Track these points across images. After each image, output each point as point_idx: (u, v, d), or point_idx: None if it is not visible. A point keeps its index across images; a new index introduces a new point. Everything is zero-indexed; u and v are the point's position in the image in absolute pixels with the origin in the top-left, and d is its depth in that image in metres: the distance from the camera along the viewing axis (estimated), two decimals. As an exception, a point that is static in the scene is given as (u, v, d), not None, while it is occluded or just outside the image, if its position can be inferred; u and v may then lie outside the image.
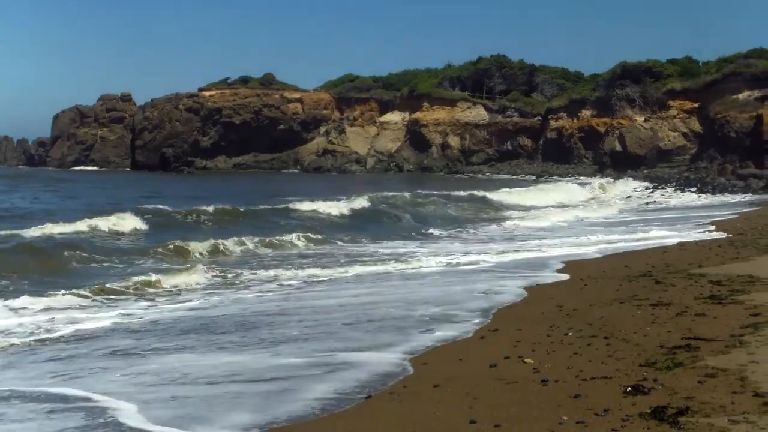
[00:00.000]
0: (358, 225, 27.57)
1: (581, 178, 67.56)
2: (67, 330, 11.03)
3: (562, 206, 38.68)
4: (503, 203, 38.94)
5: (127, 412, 7.24)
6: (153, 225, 24.36)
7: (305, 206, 30.48)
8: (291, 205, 31.01)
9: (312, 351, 9.48)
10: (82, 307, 12.74)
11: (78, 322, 11.49)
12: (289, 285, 15.06)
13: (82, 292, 13.64)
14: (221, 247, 19.82)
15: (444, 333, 10.21)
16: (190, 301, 13.41)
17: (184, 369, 8.76)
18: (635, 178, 62.26)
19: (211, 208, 27.84)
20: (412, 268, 16.88)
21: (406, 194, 38.54)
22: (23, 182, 55.63)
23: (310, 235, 22.81)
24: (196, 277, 15.35)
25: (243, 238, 20.87)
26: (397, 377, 8.12)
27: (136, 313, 12.33)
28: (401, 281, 15.23)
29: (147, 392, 7.87)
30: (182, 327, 11.18)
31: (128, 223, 23.81)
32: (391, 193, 38.51)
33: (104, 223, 23.08)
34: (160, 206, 28.87)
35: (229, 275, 16.05)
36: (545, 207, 38.30)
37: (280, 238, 21.92)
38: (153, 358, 9.41)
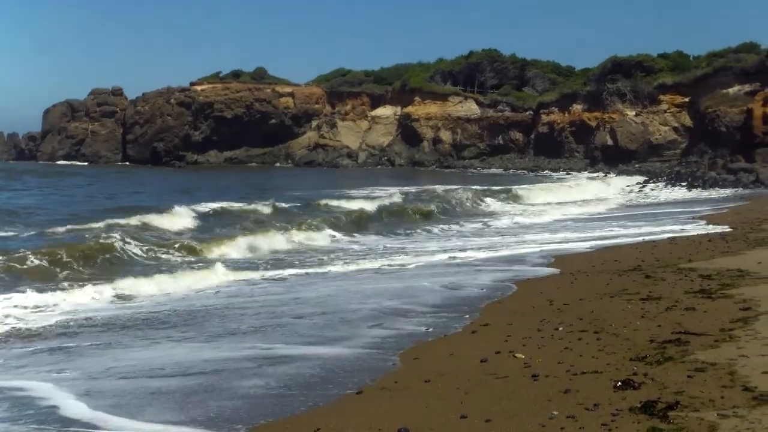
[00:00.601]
0: (387, 223, 27.14)
1: (573, 172, 67.74)
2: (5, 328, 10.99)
3: (587, 202, 38.40)
4: (526, 201, 38.36)
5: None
6: (200, 222, 23.98)
7: (334, 203, 30.67)
8: (320, 202, 31.12)
9: (252, 344, 9.53)
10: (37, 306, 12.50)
11: (22, 320, 11.39)
12: (265, 281, 15.13)
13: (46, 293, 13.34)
14: (227, 245, 19.46)
15: (390, 329, 10.23)
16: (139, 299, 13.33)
17: (108, 364, 8.77)
18: (627, 173, 62.41)
19: (248, 206, 27.94)
20: (398, 265, 16.81)
21: (438, 188, 38.46)
22: (27, 177, 53.95)
23: (326, 232, 22.77)
24: (215, 278, 15.06)
25: (260, 238, 20.55)
26: (384, 372, 8.13)
27: (91, 310, 12.20)
28: (371, 276, 15.30)
29: (60, 387, 7.88)
30: (123, 323, 11.16)
31: (173, 221, 23.33)
32: (418, 188, 39.04)
33: (148, 220, 22.73)
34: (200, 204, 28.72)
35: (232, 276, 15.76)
36: (564, 203, 37.70)
37: (303, 236, 21.85)
38: (82, 354, 9.39)
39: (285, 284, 14.63)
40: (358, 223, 25.91)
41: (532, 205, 36.83)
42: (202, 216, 25.08)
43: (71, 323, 11.23)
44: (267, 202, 29.28)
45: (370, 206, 29.44)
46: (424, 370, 7.99)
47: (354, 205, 29.96)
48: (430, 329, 10.17)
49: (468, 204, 34.26)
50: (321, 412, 6.93)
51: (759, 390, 6.39)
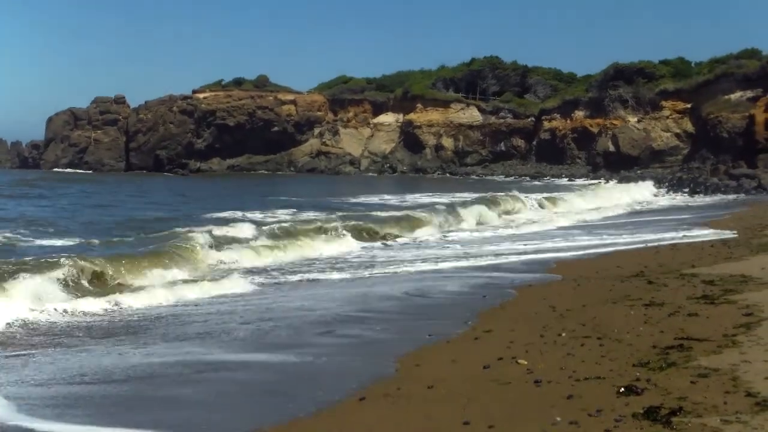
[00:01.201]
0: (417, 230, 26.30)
1: (576, 179, 67.77)
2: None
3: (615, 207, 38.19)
4: (551, 208, 37.16)
5: None
6: (261, 231, 23.29)
7: (381, 214, 30.11)
8: (370, 212, 30.85)
9: (187, 351, 9.54)
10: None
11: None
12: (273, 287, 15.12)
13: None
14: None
15: (339, 337, 10.23)
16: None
17: (25, 372, 8.67)
18: (628, 179, 62.31)
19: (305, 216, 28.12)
20: (370, 273, 16.72)
21: (479, 196, 38.09)
22: (42, 185, 52.51)
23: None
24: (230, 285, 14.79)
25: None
26: (386, 378, 8.12)
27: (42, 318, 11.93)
28: (378, 281, 15.26)
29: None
30: (64, 332, 10.99)
31: (236, 230, 23.02)
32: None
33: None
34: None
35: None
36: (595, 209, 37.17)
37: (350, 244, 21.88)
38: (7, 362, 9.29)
39: (293, 290, 14.67)
40: (408, 229, 25.79)
41: (564, 212, 35.81)
42: (263, 225, 24.83)
43: (5, 331, 10.91)
44: (331, 215, 28.68)
45: (411, 214, 28.82)
46: (426, 376, 7.98)
47: (397, 213, 29.67)
48: (432, 335, 10.17)
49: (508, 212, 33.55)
50: (326, 417, 6.92)
51: (762, 395, 6.38)
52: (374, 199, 43.90)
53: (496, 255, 19.21)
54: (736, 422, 5.85)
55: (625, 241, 21.56)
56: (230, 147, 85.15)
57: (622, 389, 6.87)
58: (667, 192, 51.24)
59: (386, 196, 45.53)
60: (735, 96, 65.82)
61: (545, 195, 40.70)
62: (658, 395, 6.66)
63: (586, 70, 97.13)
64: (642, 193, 47.79)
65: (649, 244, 20.00)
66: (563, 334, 9.46)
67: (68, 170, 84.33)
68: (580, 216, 32.29)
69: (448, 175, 79.08)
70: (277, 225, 23.70)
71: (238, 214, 30.70)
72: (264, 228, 23.26)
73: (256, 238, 21.49)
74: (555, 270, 15.95)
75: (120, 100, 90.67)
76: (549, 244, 21.38)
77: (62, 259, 14.80)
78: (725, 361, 7.55)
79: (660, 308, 10.66)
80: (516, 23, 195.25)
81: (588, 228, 27.17)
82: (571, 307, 11.29)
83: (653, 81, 74.29)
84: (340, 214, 28.75)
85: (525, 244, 21.63)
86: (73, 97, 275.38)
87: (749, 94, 64.51)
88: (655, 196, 48.59)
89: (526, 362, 8.20)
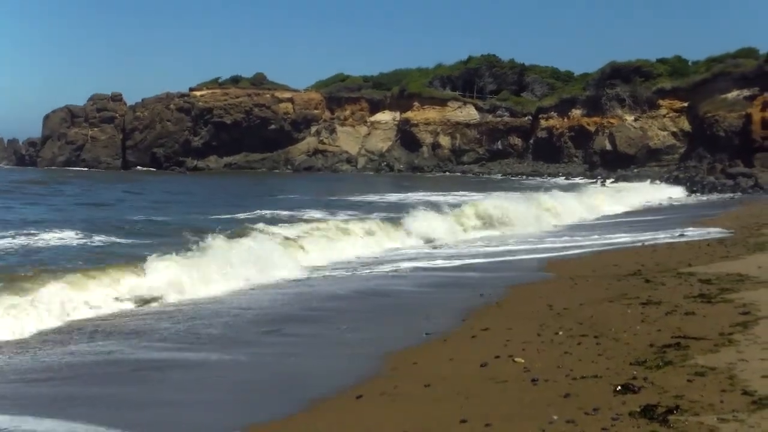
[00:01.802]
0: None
1: (576, 178, 67.75)
2: None
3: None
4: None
5: None
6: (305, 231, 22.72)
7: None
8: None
9: (120, 349, 9.50)
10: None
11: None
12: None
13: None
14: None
15: (278, 337, 10.24)
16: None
17: None
18: (626, 178, 62.37)
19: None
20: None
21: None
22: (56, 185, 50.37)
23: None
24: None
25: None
26: (383, 376, 8.12)
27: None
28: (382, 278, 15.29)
29: None
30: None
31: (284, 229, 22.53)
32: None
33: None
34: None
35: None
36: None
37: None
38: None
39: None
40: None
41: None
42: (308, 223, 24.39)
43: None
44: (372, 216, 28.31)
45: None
46: (424, 375, 7.99)
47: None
48: (430, 334, 10.17)
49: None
50: (322, 415, 6.92)
51: (758, 394, 6.39)
52: (375, 197, 43.78)
53: (494, 254, 19.24)
54: (733, 420, 5.86)
55: (621, 240, 21.57)
56: (227, 145, 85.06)
57: (619, 388, 6.87)
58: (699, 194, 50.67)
59: (388, 195, 45.38)
60: (732, 95, 65.85)
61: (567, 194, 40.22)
62: (654, 394, 6.66)
63: (583, 68, 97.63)
64: (672, 192, 47.76)
65: (646, 243, 20.02)
66: (560, 333, 9.47)
67: (65, 168, 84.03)
68: (580, 215, 32.17)
69: (445, 173, 79.13)
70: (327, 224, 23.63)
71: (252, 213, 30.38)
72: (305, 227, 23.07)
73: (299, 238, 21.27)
74: (551, 268, 15.98)
75: (117, 98, 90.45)
76: (545, 244, 21.42)
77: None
78: (722, 360, 7.56)
79: (657, 307, 10.67)
80: (513, 22, 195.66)
81: (585, 227, 27.20)
82: (568, 306, 11.29)
83: (650, 80, 74.34)
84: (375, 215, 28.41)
85: (523, 243, 21.67)
86: (70, 95, 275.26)
87: (746, 92, 64.53)
88: (689, 195, 48.46)
89: (523, 361, 8.20)
